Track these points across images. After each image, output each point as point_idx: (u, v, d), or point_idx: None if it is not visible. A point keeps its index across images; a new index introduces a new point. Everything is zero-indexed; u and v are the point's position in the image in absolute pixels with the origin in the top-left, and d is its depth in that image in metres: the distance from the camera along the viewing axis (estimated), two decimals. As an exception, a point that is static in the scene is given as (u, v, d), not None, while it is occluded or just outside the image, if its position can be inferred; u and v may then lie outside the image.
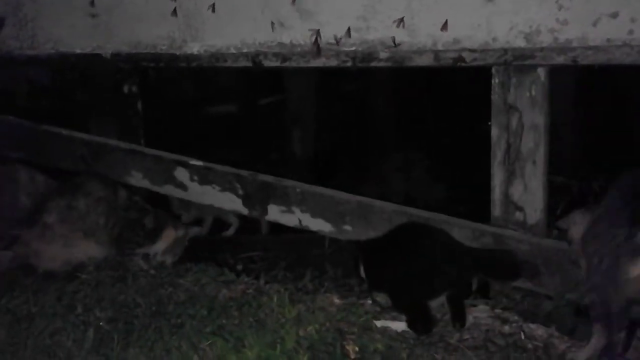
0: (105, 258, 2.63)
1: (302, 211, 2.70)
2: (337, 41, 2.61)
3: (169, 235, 2.69)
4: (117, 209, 2.71)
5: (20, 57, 3.27)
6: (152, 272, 2.58)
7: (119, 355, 2.04)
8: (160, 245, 2.68)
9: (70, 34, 3.13)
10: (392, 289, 2.24)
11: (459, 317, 2.16)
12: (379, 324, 2.17)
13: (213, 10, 2.78)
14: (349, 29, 2.53)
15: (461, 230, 2.42)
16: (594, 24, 2.25)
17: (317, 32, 2.65)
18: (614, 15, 2.23)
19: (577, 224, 2.10)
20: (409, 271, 2.18)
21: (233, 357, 2.00)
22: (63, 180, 2.89)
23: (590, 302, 1.92)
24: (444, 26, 2.40)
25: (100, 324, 2.20)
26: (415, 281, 2.17)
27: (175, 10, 2.87)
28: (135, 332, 2.14)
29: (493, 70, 2.44)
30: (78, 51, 3.14)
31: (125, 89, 3.28)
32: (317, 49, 2.66)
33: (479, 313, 2.26)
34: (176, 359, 2.01)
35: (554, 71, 2.40)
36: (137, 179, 3.02)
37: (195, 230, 2.79)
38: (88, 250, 2.62)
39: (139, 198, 2.82)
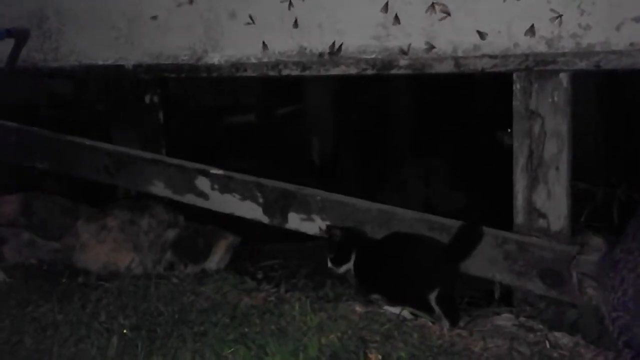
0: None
1: (322, 219, 2.70)
2: (356, 49, 2.62)
3: (222, 245, 2.88)
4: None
5: (44, 69, 3.32)
6: (175, 280, 2.60)
7: (143, 362, 2.05)
8: (216, 258, 2.86)
9: (93, 46, 3.18)
10: (387, 289, 2.35)
11: (450, 314, 2.23)
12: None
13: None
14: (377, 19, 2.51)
15: (484, 238, 2.39)
16: (617, 28, 2.23)
17: (336, 41, 2.66)
18: (638, 20, 2.20)
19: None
20: (400, 270, 2.29)
21: (256, 365, 2.00)
22: (134, 199, 3.19)
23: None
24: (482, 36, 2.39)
25: (124, 331, 2.20)
26: (408, 278, 2.27)
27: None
28: (158, 340, 2.14)
29: (514, 76, 2.42)
30: (100, 63, 3.18)
31: (147, 99, 3.32)
32: (336, 57, 2.67)
33: (503, 321, 2.23)
34: (199, 367, 2.01)
35: (577, 76, 2.38)
36: (159, 189, 3.04)
37: (237, 240, 2.88)
38: (129, 261, 2.84)
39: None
